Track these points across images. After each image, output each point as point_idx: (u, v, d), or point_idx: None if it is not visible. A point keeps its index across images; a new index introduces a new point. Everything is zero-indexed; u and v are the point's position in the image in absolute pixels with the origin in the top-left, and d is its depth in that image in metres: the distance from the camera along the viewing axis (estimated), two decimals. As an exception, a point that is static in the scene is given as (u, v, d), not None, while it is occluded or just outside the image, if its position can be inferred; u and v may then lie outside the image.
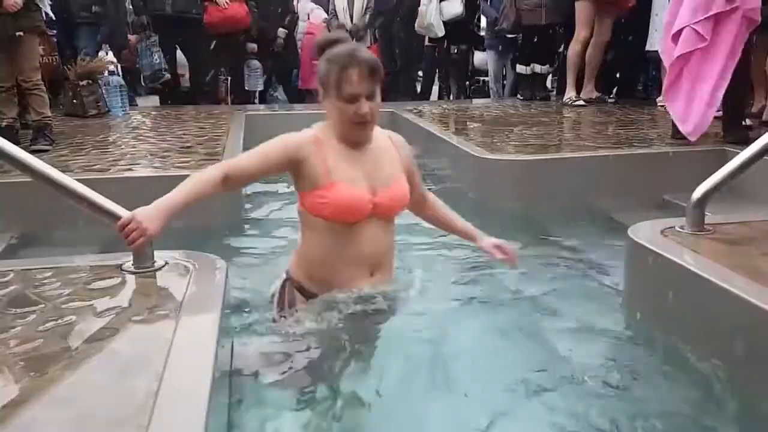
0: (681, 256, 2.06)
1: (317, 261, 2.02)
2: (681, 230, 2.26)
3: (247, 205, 3.88)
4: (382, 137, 2.10)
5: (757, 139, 2.29)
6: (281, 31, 7.51)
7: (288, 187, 4.47)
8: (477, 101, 7.69)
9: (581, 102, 6.19)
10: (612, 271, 2.67)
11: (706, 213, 2.28)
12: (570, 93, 6.31)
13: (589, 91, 6.41)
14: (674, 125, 4.51)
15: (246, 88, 7.63)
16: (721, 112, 4.56)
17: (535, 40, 6.75)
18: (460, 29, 7.62)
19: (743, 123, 4.40)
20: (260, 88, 7.77)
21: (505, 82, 7.98)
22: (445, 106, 6.65)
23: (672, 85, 4.10)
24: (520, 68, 6.98)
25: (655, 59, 6.12)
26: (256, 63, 7.61)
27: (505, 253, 2.23)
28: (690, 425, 1.70)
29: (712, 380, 1.83)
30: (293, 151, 1.97)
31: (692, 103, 4.03)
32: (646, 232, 2.27)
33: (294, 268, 2.12)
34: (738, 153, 2.30)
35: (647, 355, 2.05)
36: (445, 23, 7.49)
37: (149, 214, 1.82)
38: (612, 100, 6.50)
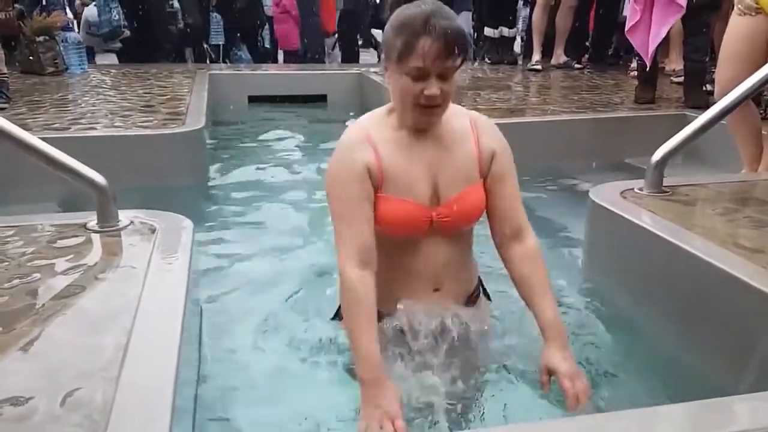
0: (639, 217, 2.12)
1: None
2: (640, 192, 2.32)
3: (213, 165, 3.84)
4: (460, 120, 1.61)
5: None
6: None
7: (254, 146, 4.46)
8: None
9: (538, 67, 6.21)
10: (573, 230, 2.74)
11: (665, 175, 2.35)
12: (536, 57, 6.34)
13: (559, 55, 6.44)
14: (637, 90, 4.60)
15: (210, 42, 7.46)
16: (683, 78, 4.68)
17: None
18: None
19: (704, 88, 4.50)
20: (221, 42, 7.61)
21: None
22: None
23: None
24: (488, 31, 6.95)
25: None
26: (217, 16, 7.45)
27: (575, 387, 1.48)
28: (644, 378, 1.78)
29: (667, 335, 1.91)
30: (352, 167, 1.53)
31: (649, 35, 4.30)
32: (606, 193, 2.33)
33: None
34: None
35: (605, 312, 2.12)
36: None
37: (383, 402, 1.38)
38: (579, 66, 6.55)
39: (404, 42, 1.41)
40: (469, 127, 1.62)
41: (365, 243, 1.50)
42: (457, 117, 1.61)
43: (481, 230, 1.74)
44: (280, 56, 8.02)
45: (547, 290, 1.61)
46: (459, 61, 1.44)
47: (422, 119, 1.52)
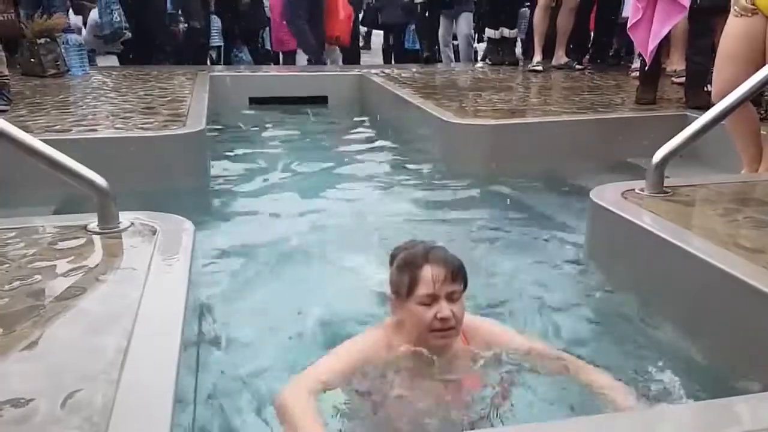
0: (640, 217, 2.12)
1: None
2: (641, 192, 2.32)
3: (213, 167, 3.84)
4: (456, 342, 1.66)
5: (717, 104, 2.36)
6: None
7: (255, 147, 4.47)
8: (446, 66, 7.65)
9: (539, 68, 6.22)
10: (575, 231, 2.74)
11: (666, 176, 2.35)
12: (536, 58, 6.34)
13: (560, 56, 6.45)
14: (638, 91, 4.59)
15: (210, 44, 7.47)
16: (684, 79, 4.67)
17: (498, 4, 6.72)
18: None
19: (705, 89, 4.49)
20: (219, 43, 7.62)
21: (455, 42, 7.88)
22: (414, 70, 6.60)
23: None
24: (489, 32, 6.96)
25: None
26: (214, 18, 7.46)
27: None
28: (646, 379, 1.77)
29: (668, 335, 1.91)
30: (363, 357, 1.62)
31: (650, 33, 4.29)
32: (607, 194, 2.33)
33: None
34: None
35: (606, 312, 2.12)
36: None
37: None
38: (580, 67, 6.55)
39: (411, 276, 1.56)
40: (461, 345, 1.66)
41: (332, 381, 1.54)
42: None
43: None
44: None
45: (593, 370, 1.66)
46: (462, 286, 1.58)
47: (439, 343, 1.58)
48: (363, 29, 9.47)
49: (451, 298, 1.55)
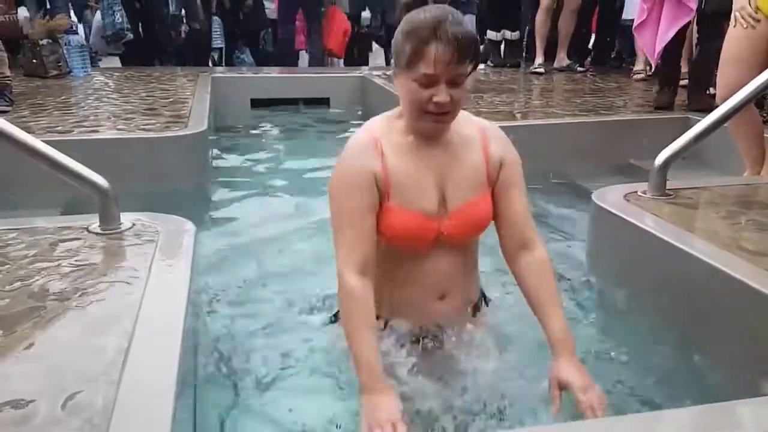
0: (642, 220, 2.12)
1: (377, 284, 1.53)
2: (643, 195, 2.32)
3: (215, 168, 3.84)
4: (470, 128, 1.58)
5: (719, 107, 2.36)
6: None
7: (256, 149, 4.47)
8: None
9: (540, 70, 6.22)
10: (576, 233, 2.73)
11: (668, 178, 2.34)
12: (538, 60, 6.34)
13: (561, 59, 6.45)
14: (656, 94, 4.55)
15: (212, 45, 7.48)
16: (687, 81, 4.67)
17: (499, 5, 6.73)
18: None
19: (707, 92, 4.48)
20: (220, 45, 7.64)
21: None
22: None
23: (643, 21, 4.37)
24: (491, 34, 6.97)
25: (630, 28, 6.16)
26: (217, 20, 7.47)
27: (590, 400, 1.41)
28: (648, 382, 1.77)
29: (671, 338, 1.90)
30: (359, 175, 1.48)
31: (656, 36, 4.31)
32: (609, 196, 2.33)
33: None
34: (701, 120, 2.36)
35: (608, 315, 2.11)
36: None
37: (384, 407, 1.37)
38: (582, 69, 6.55)
39: (413, 48, 1.37)
40: (478, 135, 1.58)
41: (365, 252, 1.46)
42: (467, 124, 1.58)
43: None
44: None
45: (555, 302, 1.56)
46: (470, 67, 1.40)
47: (430, 127, 1.47)
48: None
49: (453, 82, 1.38)
